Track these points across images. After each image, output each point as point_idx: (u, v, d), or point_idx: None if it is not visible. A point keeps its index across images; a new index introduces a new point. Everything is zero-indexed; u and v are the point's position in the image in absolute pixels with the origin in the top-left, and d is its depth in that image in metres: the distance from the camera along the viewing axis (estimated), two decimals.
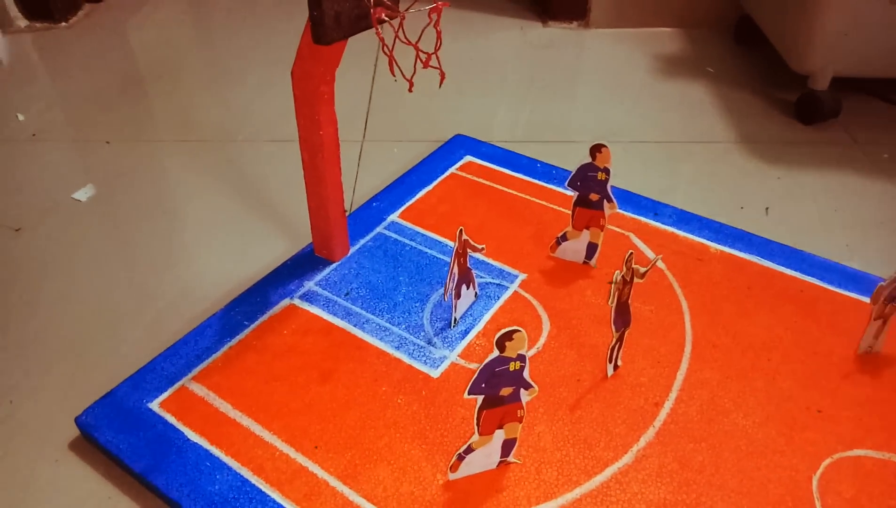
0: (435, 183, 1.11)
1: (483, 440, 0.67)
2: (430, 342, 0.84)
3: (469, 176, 1.13)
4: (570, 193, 0.91)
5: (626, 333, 0.79)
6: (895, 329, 0.82)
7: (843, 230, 1.05)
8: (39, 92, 1.42)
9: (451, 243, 0.98)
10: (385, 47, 0.67)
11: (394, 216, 1.04)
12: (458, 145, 1.20)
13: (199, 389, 0.78)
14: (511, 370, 0.63)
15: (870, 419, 0.75)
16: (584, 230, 0.93)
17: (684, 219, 1.04)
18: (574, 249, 0.95)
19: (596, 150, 0.85)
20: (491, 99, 1.39)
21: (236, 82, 1.45)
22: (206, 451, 0.72)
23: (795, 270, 0.95)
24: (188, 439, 0.73)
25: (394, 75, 0.68)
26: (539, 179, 1.11)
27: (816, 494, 0.68)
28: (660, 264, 0.95)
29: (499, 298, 0.90)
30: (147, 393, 0.78)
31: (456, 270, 0.82)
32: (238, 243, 1.02)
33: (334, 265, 0.95)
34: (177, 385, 0.78)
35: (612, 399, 0.77)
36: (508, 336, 0.60)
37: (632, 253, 0.73)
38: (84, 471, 0.72)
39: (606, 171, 0.87)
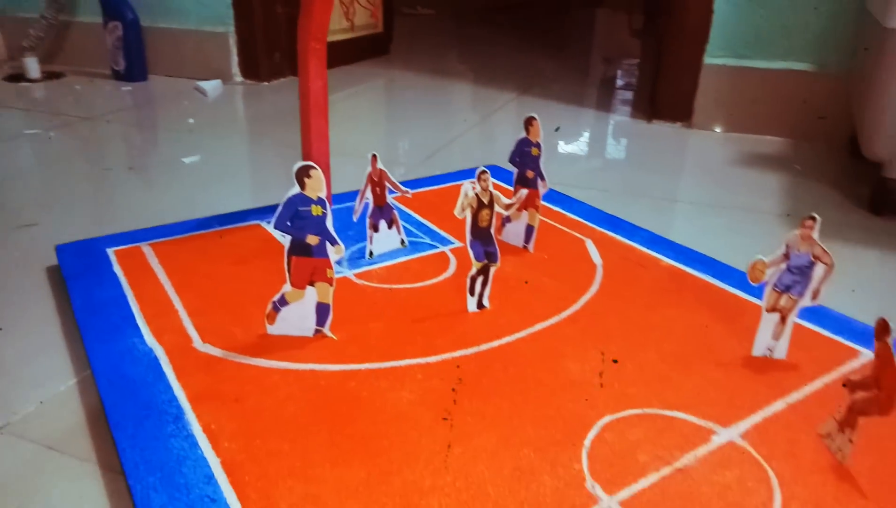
0: (455, 183, 1.21)
1: (295, 294, 0.73)
2: (338, 263, 0.91)
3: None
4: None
5: (493, 271, 0.80)
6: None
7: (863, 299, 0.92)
8: (218, 112, 1.83)
9: (441, 232, 1.05)
10: None
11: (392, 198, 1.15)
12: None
13: (148, 251, 0.95)
14: (314, 213, 0.69)
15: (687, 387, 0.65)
16: (523, 211, 0.95)
17: (656, 240, 1.00)
18: (515, 231, 0.97)
19: (528, 123, 0.91)
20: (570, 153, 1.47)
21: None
22: (115, 275, 0.87)
23: (743, 291, 0.86)
24: (112, 270, 0.89)
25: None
26: (560, 208, 1.12)
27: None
28: (594, 256, 0.93)
29: (423, 252, 0.96)
30: (113, 244, 0.96)
31: (370, 195, 0.90)
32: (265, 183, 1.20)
33: None
34: (134, 244, 0.96)
35: (451, 319, 0.77)
36: (306, 172, 0.68)
37: (485, 170, 0.76)
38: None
39: (538, 146, 0.91)
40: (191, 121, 1.73)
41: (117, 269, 0.89)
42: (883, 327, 0.56)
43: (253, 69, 2.13)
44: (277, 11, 2.09)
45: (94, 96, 1.96)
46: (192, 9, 2.10)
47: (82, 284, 0.85)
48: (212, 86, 2.02)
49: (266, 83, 2.13)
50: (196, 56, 2.14)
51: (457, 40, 3.16)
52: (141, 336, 0.74)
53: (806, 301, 0.69)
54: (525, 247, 0.97)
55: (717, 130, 1.66)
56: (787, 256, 0.69)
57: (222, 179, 1.33)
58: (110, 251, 0.94)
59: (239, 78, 2.14)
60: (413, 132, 1.70)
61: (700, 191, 1.30)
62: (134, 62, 2.11)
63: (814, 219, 0.66)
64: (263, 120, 1.79)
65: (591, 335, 0.76)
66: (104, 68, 2.18)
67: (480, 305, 0.81)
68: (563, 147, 1.56)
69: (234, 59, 2.12)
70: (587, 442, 0.61)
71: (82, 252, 0.94)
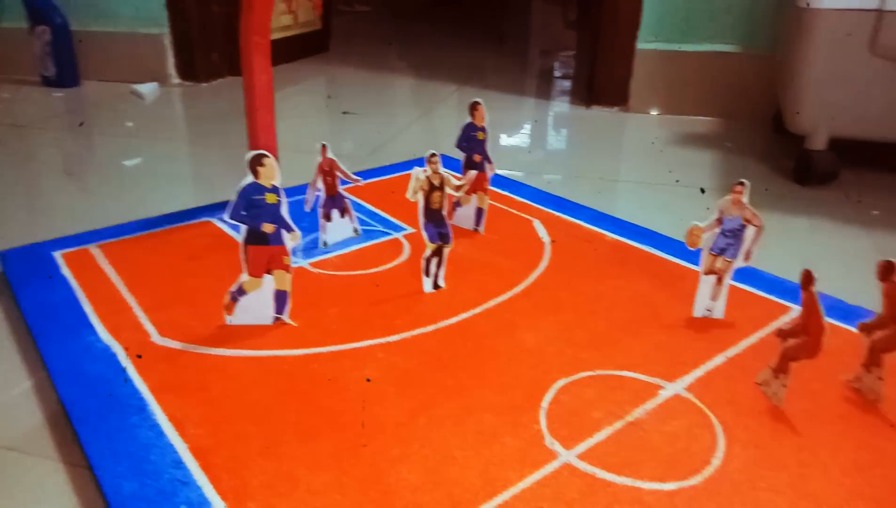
0: (404, 172, 1.22)
1: (253, 283, 0.74)
2: (293, 252, 0.92)
3: None
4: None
5: (447, 252, 0.82)
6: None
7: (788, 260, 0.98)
8: (157, 115, 1.80)
9: (392, 220, 1.06)
10: None
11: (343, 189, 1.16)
12: None
13: (96, 252, 0.94)
14: (268, 201, 0.70)
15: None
16: (473, 195, 0.98)
17: (599, 218, 1.04)
18: (465, 215, 1.00)
19: (472, 107, 0.93)
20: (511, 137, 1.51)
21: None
22: (64, 278, 0.86)
23: (682, 259, 0.91)
24: (60, 272, 0.88)
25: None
26: (507, 192, 1.15)
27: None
28: (542, 235, 0.96)
29: (376, 239, 0.97)
30: (60, 247, 0.94)
31: (321, 185, 0.91)
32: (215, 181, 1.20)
33: None
34: (81, 247, 0.95)
35: (408, 300, 0.80)
36: (259, 161, 0.69)
37: (435, 153, 0.78)
38: None
39: (484, 130, 0.94)
40: (130, 124, 1.70)
41: (66, 271, 0.88)
42: (807, 277, 0.60)
43: (190, 70, 2.10)
44: (213, 11, 2.06)
45: (24, 104, 1.90)
46: (125, 10, 2.05)
47: (30, 288, 0.84)
48: (149, 89, 1.98)
49: (205, 84, 2.11)
50: (130, 59, 2.09)
51: (395, 36, 3.17)
52: (97, 335, 0.74)
53: (739, 262, 0.74)
54: (476, 229, 0.99)
55: (653, 112, 1.73)
56: (720, 221, 0.73)
57: (166, 180, 1.31)
58: (57, 255, 0.92)
59: (176, 80, 2.11)
60: (357, 128, 1.71)
61: (639, 170, 1.36)
62: (65, 67, 2.05)
63: (742, 184, 0.71)
64: (204, 121, 1.77)
65: (544, 308, 0.79)
66: (32, 75, 2.10)
67: (436, 285, 0.83)
68: (506, 136, 1.60)
69: (171, 60, 2.08)
70: (544, 404, 0.64)
71: (28, 257, 0.92)
